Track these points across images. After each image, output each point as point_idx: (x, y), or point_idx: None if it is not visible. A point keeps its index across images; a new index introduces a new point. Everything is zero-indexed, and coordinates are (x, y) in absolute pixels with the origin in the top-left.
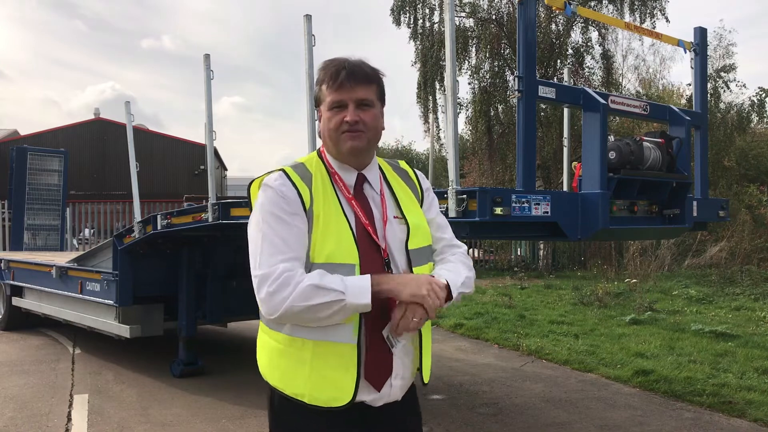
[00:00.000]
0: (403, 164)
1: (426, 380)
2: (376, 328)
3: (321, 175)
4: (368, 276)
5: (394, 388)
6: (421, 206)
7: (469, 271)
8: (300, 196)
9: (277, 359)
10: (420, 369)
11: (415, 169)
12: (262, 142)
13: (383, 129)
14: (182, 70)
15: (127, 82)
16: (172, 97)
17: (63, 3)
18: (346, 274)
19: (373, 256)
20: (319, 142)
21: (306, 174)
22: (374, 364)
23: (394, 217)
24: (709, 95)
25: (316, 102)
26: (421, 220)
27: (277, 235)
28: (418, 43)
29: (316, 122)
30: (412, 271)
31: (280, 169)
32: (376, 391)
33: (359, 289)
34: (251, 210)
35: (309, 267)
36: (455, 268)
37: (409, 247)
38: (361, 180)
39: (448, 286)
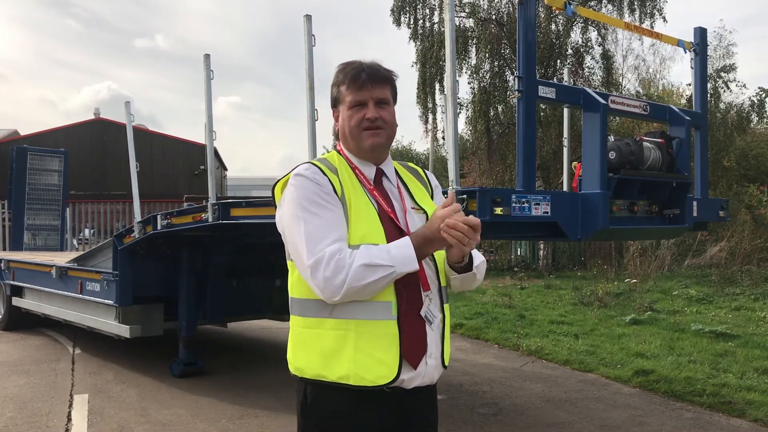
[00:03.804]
0: (412, 165)
1: (446, 362)
2: (412, 306)
3: (345, 168)
4: (409, 242)
5: (429, 368)
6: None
7: (482, 257)
8: (332, 184)
9: (318, 347)
10: (442, 352)
11: (425, 169)
12: (261, 142)
13: (397, 126)
14: (179, 70)
15: (123, 81)
16: (169, 97)
17: (59, 1)
18: None
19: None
20: (319, 142)
21: (332, 166)
22: (410, 342)
23: (412, 207)
24: (709, 95)
25: (334, 103)
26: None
27: (319, 219)
28: (418, 43)
29: (316, 122)
30: (433, 256)
31: (307, 162)
32: (413, 369)
33: (406, 259)
34: (275, 208)
35: None
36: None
37: None
38: (380, 174)
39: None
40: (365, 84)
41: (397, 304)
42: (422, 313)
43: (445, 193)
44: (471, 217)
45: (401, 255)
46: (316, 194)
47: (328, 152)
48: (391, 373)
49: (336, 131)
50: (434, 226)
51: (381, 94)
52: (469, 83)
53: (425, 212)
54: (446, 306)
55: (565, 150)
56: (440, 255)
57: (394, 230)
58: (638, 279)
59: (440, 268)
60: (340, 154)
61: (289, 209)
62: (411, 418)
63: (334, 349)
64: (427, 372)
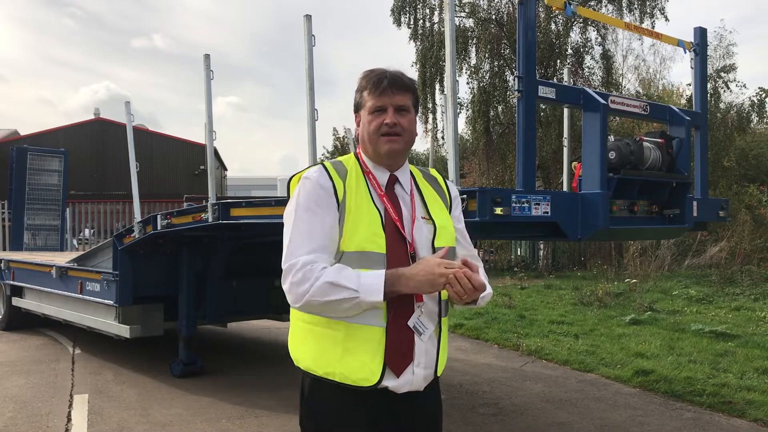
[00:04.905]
0: (433, 172)
1: (439, 373)
2: (401, 316)
3: (356, 172)
4: (383, 273)
5: (417, 377)
6: (450, 213)
7: (490, 289)
8: (335, 188)
9: (311, 342)
10: (436, 362)
11: (445, 178)
12: (261, 142)
13: (416, 134)
14: (178, 70)
15: (122, 81)
16: (168, 97)
17: (56, 1)
18: (373, 262)
19: (399, 249)
20: (319, 142)
21: (342, 169)
22: (395, 350)
23: (422, 217)
24: (709, 95)
25: (356, 108)
26: (448, 222)
27: (306, 226)
28: (418, 43)
29: (316, 122)
30: None
31: (320, 163)
32: (396, 377)
33: (373, 288)
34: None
35: (340, 255)
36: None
37: (436, 245)
38: (393, 180)
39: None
40: (386, 90)
41: (387, 312)
42: (410, 323)
43: (463, 199)
44: (478, 276)
45: (370, 284)
46: (314, 201)
47: (330, 153)
48: (373, 378)
49: (356, 136)
50: (419, 269)
51: (401, 101)
52: (468, 83)
53: (434, 223)
54: (444, 319)
55: (565, 150)
56: None
57: (397, 239)
58: (638, 279)
59: None
60: (357, 157)
61: (289, 210)
62: (404, 421)
63: (325, 346)
64: (415, 381)
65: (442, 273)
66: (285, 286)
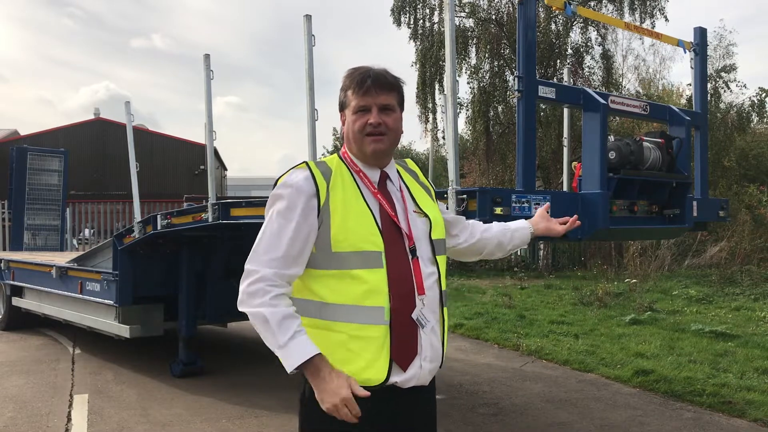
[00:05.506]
0: (411, 164)
1: (441, 364)
2: (403, 310)
3: (341, 172)
4: (312, 353)
5: (423, 370)
6: (436, 204)
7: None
8: (317, 191)
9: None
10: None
11: (424, 172)
12: (261, 142)
13: (402, 132)
14: (177, 70)
15: (121, 81)
16: (168, 97)
17: (56, 0)
18: (371, 261)
19: (398, 245)
20: (319, 142)
21: (326, 170)
22: (400, 345)
23: (414, 211)
24: (709, 95)
25: (341, 106)
26: (438, 215)
27: (276, 232)
28: (418, 43)
29: (316, 122)
30: (436, 260)
31: (304, 163)
32: (404, 372)
33: (292, 358)
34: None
35: (331, 256)
36: (507, 225)
37: (432, 237)
38: (384, 177)
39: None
40: (370, 90)
41: (390, 309)
42: (414, 316)
43: (439, 193)
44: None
45: (293, 352)
46: (290, 205)
47: (330, 153)
48: (381, 376)
49: (342, 134)
50: (333, 383)
51: (385, 101)
52: (468, 83)
53: (426, 215)
54: (445, 309)
55: (565, 150)
56: (443, 259)
57: (394, 233)
58: (638, 279)
59: (442, 272)
60: (342, 158)
61: (267, 212)
62: (406, 416)
63: (327, 349)
64: (422, 375)
65: (335, 404)
66: (240, 287)
